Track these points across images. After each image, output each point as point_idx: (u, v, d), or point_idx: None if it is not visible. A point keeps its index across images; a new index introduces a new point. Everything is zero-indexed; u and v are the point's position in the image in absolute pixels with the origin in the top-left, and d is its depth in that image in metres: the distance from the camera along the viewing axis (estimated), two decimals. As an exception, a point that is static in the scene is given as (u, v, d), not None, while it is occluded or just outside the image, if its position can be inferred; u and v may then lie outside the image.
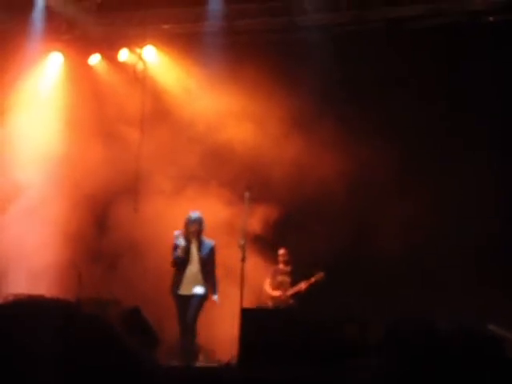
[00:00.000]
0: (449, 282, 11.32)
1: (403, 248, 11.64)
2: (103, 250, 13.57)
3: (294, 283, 12.36)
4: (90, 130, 13.71)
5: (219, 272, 11.36)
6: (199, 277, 10.93)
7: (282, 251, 12.45)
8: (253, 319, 9.83)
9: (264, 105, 12.87)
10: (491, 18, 12.43)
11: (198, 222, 11.02)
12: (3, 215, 13.44)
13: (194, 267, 10.96)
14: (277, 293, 12.38)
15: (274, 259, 12.57)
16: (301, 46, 13.15)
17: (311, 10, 13.14)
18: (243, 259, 10.89)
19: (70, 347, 1.25)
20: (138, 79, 14.08)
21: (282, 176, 12.69)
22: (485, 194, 11.50)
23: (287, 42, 13.33)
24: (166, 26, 13.85)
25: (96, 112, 13.93)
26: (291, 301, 12.34)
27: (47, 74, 14.46)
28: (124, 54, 14.11)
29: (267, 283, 12.47)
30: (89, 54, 14.33)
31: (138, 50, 14.05)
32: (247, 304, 10.97)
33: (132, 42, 14.04)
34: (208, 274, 10.94)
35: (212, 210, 12.35)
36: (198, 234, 11.00)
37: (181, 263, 10.92)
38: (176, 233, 10.99)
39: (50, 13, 13.78)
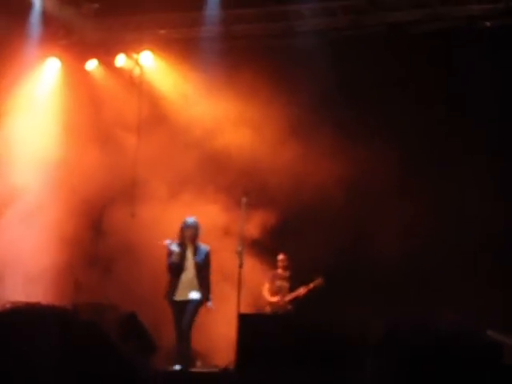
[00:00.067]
0: (447, 287, 11.31)
1: (401, 253, 11.64)
2: (100, 255, 13.55)
3: (292, 288, 12.37)
4: (86, 135, 13.70)
5: (217, 277, 11.36)
6: (195, 282, 10.91)
7: (281, 257, 12.46)
8: (250, 324, 9.83)
9: (261, 110, 12.87)
10: (488, 23, 12.45)
11: (194, 227, 11.01)
12: (0, 219, 13.42)
13: (189, 272, 10.94)
14: (275, 299, 12.37)
15: (271, 264, 12.56)
16: (298, 51, 13.15)
17: (308, 14, 13.15)
18: (241, 265, 10.89)
19: (67, 354, 1.24)
20: (135, 84, 14.07)
21: (280, 182, 12.68)
22: (483, 197, 11.49)
23: (284, 47, 13.34)
24: (162, 31, 13.86)
25: (93, 117, 13.92)
26: (289, 306, 12.34)
27: (44, 79, 14.45)
28: (121, 60, 14.11)
29: (266, 288, 12.47)
30: (86, 59, 14.33)
31: (134, 56, 14.05)
32: (245, 309, 10.96)
33: (129, 48, 14.04)
34: (203, 279, 10.92)
35: (209, 215, 12.35)
36: (194, 239, 10.99)
37: (176, 268, 10.90)
38: (167, 241, 10.96)
39: (47, 18, 13.78)
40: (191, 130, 13.51)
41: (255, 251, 12.36)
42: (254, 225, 12.54)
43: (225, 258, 11.71)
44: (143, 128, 13.77)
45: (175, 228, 11.09)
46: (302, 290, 12.29)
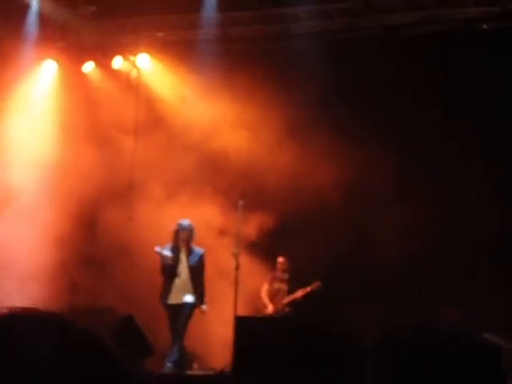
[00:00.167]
0: (446, 289, 11.33)
1: (400, 256, 11.64)
2: (96, 256, 13.53)
3: (291, 291, 12.38)
4: (83, 137, 13.69)
5: (214, 279, 11.35)
6: (189, 285, 10.90)
7: (281, 259, 12.48)
8: (247, 327, 9.81)
9: (258, 112, 12.87)
10: (485, 26, 12.46)
11: (189, 230, 11.00)
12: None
13: (183, 275, 10.92)
14: (271, 307, 12.36)
15: (269, 266, 12.57)
16: (295, 54, 13.16)
17: (305, 17, 13.16)
18: (237, 267, 10.87)
19: (63, 360, 1.24)
20: (132, 87, 14.07)
21: (277, 184, 12.68)
22: (480, 200, 11.50)
23: (281, 50, 13.34)
24: (159, 34, 13.85)
25: (90, 119, 13.92)
26: (287, 309, 12.36)
27: (41, 81, 14.44)
28: (118, 62, 14.10)
29: (264, 289, 12.49)
30: (83, 61, 14.32)
31: (131, 58, 14.05)
32: (243, 311, 10.96)
33: (126, 50, 14.04)
34: (197, 282, 10.91)
35: (206, 217, 12.36)
36: (188, 242, 10.97)
37: (170, 272, 10.89)
38: (157, 249, 10.91)
39: (44, 20, 13.77)
40: (188, 132, 13.51)
41: (253, 253, 12.36)
42: (252, 227, 12.54)
43: (222, 260, 11.71)
44: (140, 130, 13.77)
45: (172, 230, 11.08)
46: (299, 293, 12.30)
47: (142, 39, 13.81)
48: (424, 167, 12.48)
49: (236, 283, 10.79)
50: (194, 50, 13.70)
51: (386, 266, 11.59)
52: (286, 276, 12.47)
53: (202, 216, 12.20)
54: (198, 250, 11.05)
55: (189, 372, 11.08)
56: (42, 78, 14.46)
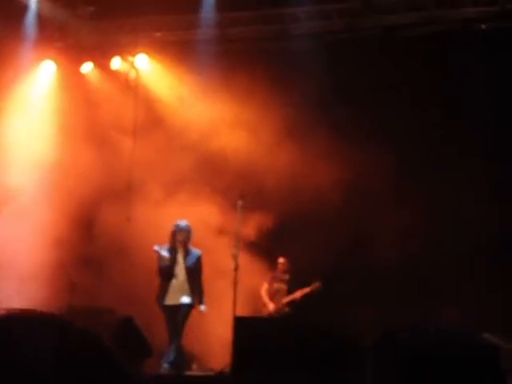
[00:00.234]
0: (444, 289, 11.33)
1: (399, 256, 11.64)
2: (95, 256, 13.53)
3: (290, 291, 12.39)
4: (82, 138, 13.69)
5: (213, 278, 11.34)
6: (185, 286, 10.88)
7: (281, 260, 12.49)
8: (246, 327, 9.81)
9: (257, 112, 12.87)
10: (484, 26, 12.46)
11: (187, 231, 10.97)
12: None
13: (180, 277, 10.91)
14: (271, 306, 12.36)
15: (268, 266, 12.58)
16: (294, 54, 13.16)
17: (304, 17, 13.16)
18: (236, 268, 10.86)
19: (62, 361, 1.24)
20: (131, 87, 14.06)
21: (276, 184, 12.68)
22: (479, 200, 11.51)
23: (280, 50, 13.33)
24: (158, 34, 13.85)
25: (88, 120, 13.92)
26: (287, 309, 12.37)
27: (40, 81, 14.43)
28: (116, 62, 14.10)
29: (264, 289, 12.50)
30: (81, 61, 14.31)
31: (130, 58, 14.04)
32: (242, 311, 10.95)
33: (124, 50, 14.03)
34: (194, 283, 10.90)
35: (205, 217, 12.36)
36: (186, 243, 10.95)
37: (167, 273, 10.88)
38: (156, 248, 10.92)
39: (43, 20, 13.77)
40: (187, 133, 13.51)
41: (252, 253, 12.36)
42: (251, 227, 12.54)
43: (221, 260, 11.70)
44: (139, 130, 13.76)
45: (170, 231, 11.08)
46: (298, 293, 12.31)
47: (141, 39, 13.80)
48: (422, 167, 12.49)
49: (235, 284, 10.78)
50: (192, 50, 13.69)
51: (385, 266, 11.59)
52: (287, 276, 12.48)
53: (201, 216, 12.20)
54: (196, 251, 11.03)
55: (188, 373, 11.07)
56: (41, 79, 14.46)
